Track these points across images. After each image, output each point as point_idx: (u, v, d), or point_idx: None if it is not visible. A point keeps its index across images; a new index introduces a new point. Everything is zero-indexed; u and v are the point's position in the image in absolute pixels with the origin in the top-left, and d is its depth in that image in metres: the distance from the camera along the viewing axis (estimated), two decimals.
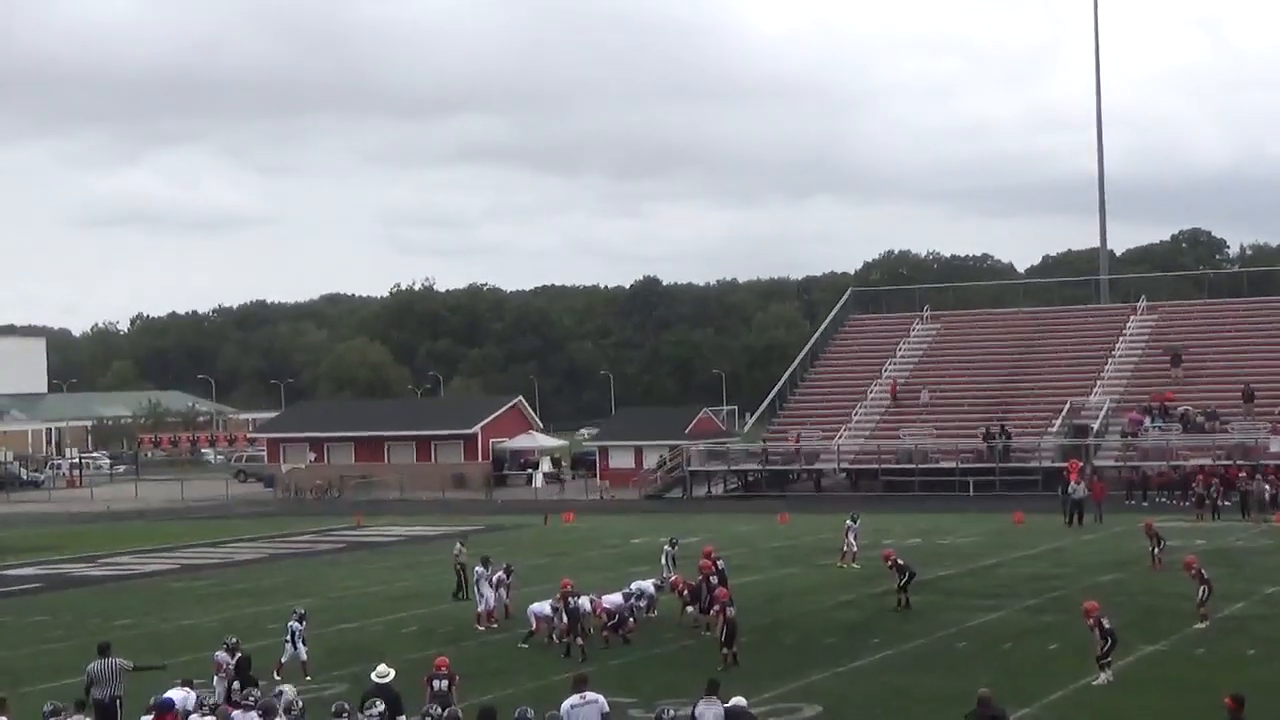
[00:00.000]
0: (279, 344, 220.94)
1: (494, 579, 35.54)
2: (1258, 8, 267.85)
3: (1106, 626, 26.65)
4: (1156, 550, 41.91)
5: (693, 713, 20.23)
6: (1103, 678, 26.45)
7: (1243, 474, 61.61)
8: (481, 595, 35.46)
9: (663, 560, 39.72)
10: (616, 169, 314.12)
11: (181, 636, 35.32)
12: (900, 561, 36.81)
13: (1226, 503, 58.66)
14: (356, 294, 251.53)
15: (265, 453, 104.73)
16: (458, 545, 42.57)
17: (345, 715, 19.73)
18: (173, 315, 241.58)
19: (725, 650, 28.86)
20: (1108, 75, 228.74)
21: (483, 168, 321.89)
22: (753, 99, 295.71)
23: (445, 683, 22.87)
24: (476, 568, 36.43)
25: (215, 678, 25.35)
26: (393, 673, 21.76)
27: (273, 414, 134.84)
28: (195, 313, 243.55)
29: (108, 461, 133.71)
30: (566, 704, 20.35)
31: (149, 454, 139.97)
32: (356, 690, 23.49)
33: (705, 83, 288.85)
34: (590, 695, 20.44)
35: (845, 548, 45.21)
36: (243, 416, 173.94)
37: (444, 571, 43.05)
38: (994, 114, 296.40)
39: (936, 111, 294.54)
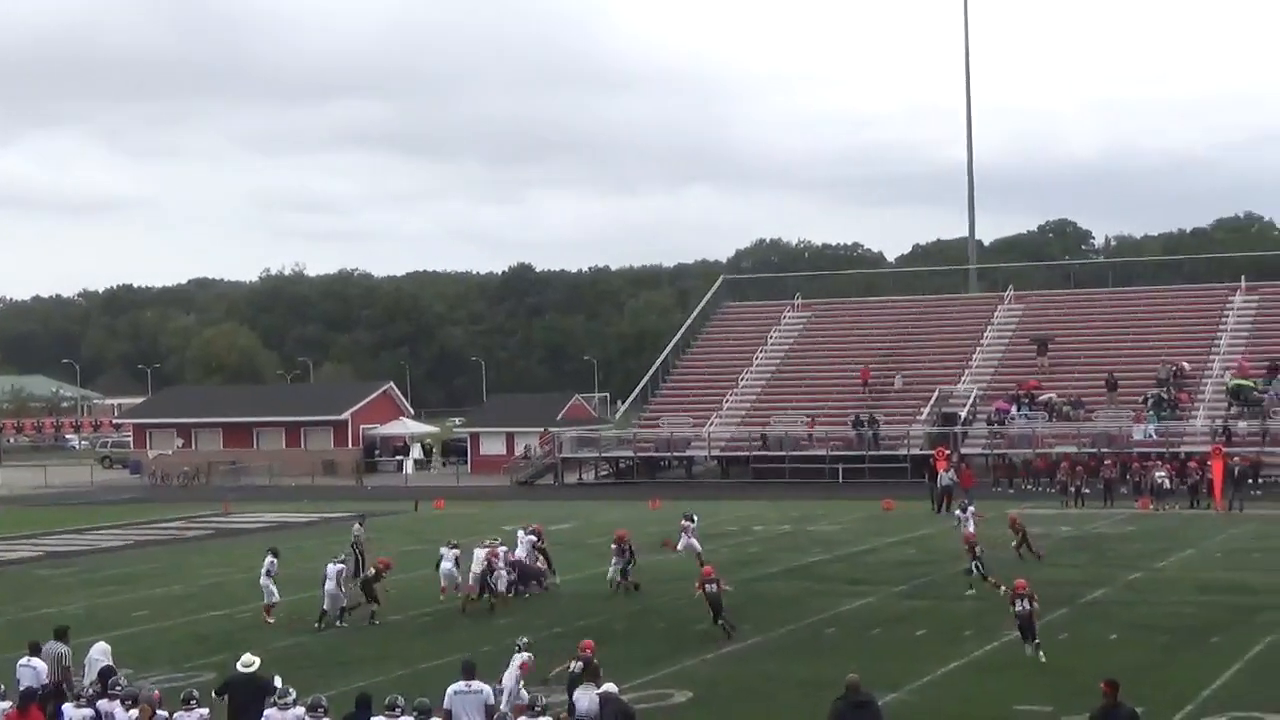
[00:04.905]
0: (146, 329, 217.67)
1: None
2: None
3: (1028, 609, 27.32)
4: (1020, 545, 41.76)
5: (570, 699, 20.17)
6: (1029, 649, 27.36)
7: (1106, 461, 62.53)
8: (324, 593, 34.06)
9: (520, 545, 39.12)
10: (495, 155, 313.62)
11: (45, 625, 34.61)
12: (626, 545, 37.46)
13: (1088, 490, 59.47)
14: (226, 279, 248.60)
15: (131, 438, 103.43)
16: (356, 526, 42.27)
17: (321, 710, 19.21)
18: (37, 299, 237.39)
19: (717, 622, 30.45)
20: (980, 66, 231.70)
21: (360, 153, 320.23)
22: (633, 87, 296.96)
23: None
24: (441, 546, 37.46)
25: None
26: (258, 661, 21.45)
27: (140, 400, 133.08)
28: (60, 296, 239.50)
29: None
30: (450, 689, 20.06)
31: (11, 439, 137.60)
32: (221, 678, 23.13)
33: (585, 70, 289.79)
34: (476, 684, 20.10)
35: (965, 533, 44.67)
36: (109, 402, 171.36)
37: (309, 558, 42.73)
38: (871, 104, 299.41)
39: (814, 101, 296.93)
